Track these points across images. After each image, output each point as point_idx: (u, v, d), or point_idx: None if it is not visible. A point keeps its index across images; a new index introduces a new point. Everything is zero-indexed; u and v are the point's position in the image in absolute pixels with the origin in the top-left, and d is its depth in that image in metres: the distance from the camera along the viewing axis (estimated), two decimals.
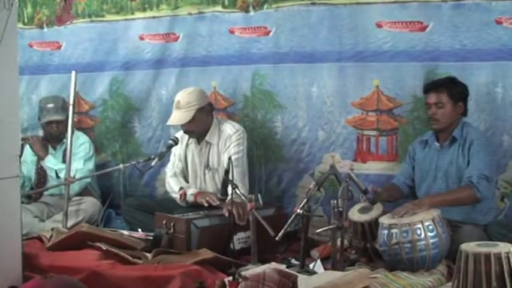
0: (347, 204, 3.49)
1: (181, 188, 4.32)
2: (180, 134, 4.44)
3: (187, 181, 4.47)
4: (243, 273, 2.99)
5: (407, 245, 3.33)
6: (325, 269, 3.44)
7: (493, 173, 3.66)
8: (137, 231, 4.06)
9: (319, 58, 4.41)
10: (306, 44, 4.46)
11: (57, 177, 4.65)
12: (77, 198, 4.67)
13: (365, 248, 3.66)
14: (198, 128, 4.28)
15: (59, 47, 5.34)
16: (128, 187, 5.15)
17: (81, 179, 4.54)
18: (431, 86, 3.85)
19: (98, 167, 4.99)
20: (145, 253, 3.59)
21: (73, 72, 4.54)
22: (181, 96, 4.27)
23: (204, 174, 4.40)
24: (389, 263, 3.44)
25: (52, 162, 4.71)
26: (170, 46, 4.94)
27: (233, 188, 3.72)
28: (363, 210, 3.74)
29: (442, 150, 3.83)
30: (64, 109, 4.75)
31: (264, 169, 4.66)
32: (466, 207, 3.69)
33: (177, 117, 4.24)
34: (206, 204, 4.07)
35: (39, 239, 3.99)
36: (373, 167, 4.34)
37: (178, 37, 4.90)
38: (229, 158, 3.74)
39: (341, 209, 3.46)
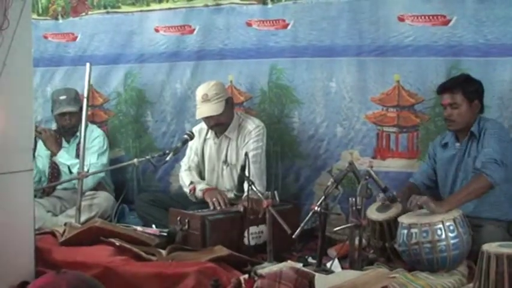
0: (365, 202, 3.43)
1: (191, 183, 4.26)
2: (197, 128, 4.40)
3: (202, 176, 4.42)
4: (259, 271, 2.94)
5: (427, 245, 3.25)
6: (342, 268, 3.38)
7: (506, 158, 3.52)
8: (151, 227, 4.01)
9: (339, 52, 4.34)
10: (325, 37, 4.38)
11: (70, 172, 4.61)
12: (91, 192, 4.63)
13: (383, 248, 3.58)
14: (226, 120, 4.25)
15: (74, 39, 5.31)
16: (141, 182, 5.10)
17: (94, 173, 4.50)
18: (445, 87, 3.76)
19: (111, 161, 4.95)
20: (159, 249, 3.54)
21: (87, 64, 4.49)
22: (207, 89, 4.21)
23: (222, 170, 4.34)
24: (409, 263, 3.37)
25: (65, 158, 4.66)
26: (186, 39, 4.88)
27: (249, 185, 3.66)
28: (381, 209, 3.66)
29: (462, 149, 3.75)
30: (76, 101, 4.72)
31: (280, 165, 4.59)
32: (486, 204, 3.61)
33: (208, 109, 4.18)
34: (212, 207, 4.00)
35: (52, 233, 3.94)
36: (393, 165, 4.26)
37: (194, 29, 4.84)
38: (246, 154, 3.69)
39: (359, 207, 3.40)
